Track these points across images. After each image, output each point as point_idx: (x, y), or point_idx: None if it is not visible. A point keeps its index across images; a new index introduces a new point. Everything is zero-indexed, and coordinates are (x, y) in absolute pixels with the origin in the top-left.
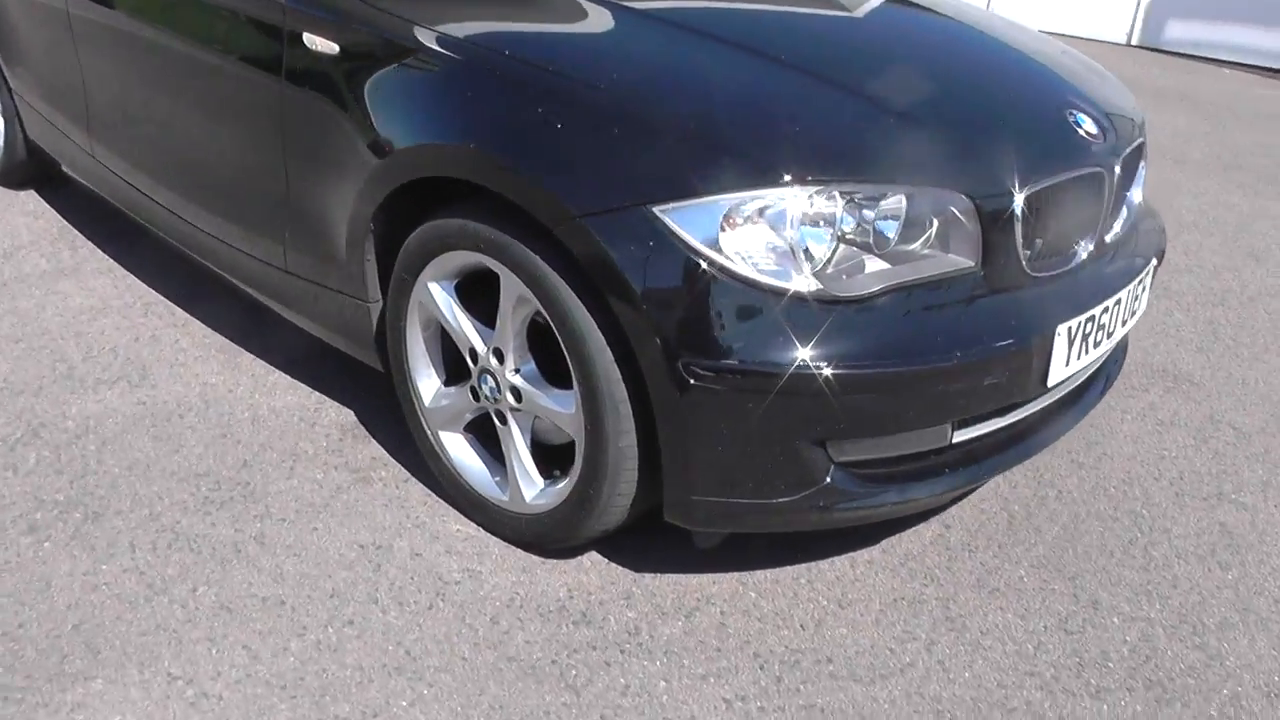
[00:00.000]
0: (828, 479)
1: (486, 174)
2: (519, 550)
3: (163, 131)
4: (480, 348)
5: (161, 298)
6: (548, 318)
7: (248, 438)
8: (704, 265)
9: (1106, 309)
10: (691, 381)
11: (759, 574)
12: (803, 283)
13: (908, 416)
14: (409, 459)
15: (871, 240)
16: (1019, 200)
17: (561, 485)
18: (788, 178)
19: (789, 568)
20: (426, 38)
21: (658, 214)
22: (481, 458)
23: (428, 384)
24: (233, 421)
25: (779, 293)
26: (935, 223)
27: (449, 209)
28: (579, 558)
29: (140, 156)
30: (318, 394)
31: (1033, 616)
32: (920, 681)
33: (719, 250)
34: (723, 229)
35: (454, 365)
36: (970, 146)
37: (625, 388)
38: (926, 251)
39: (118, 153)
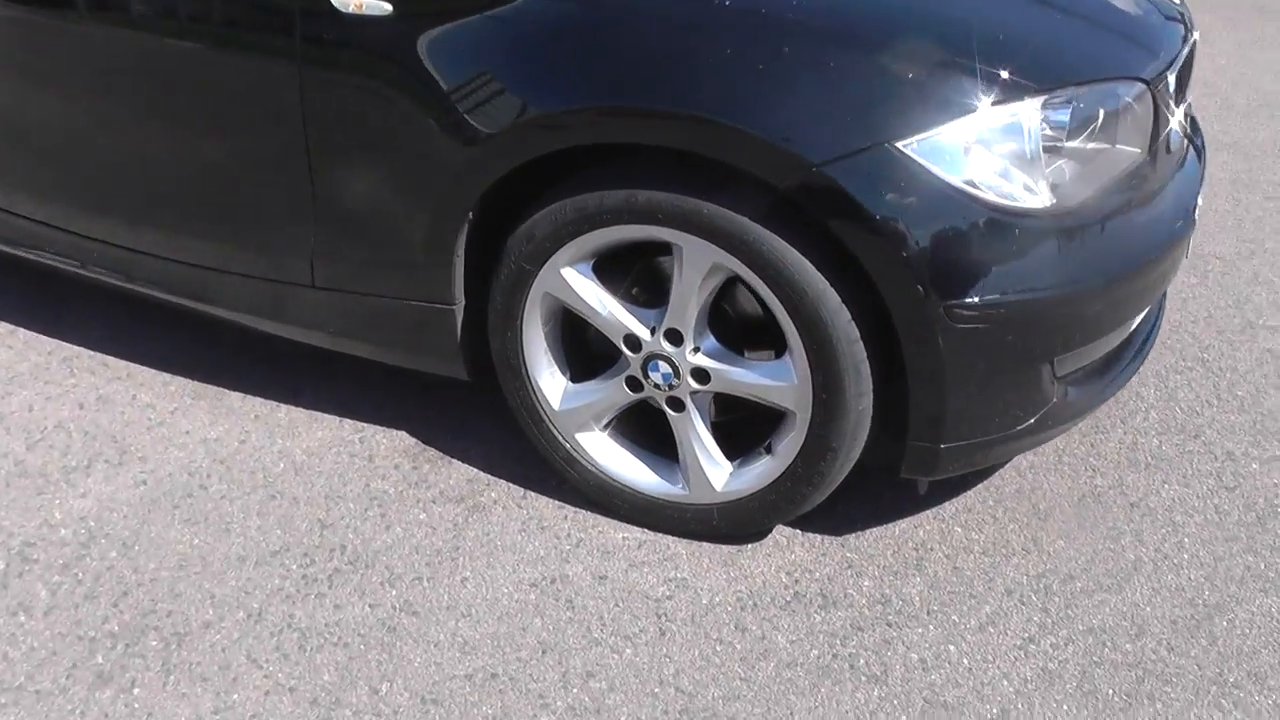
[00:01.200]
0: (1056, 397)
1: (683, 134)
2: (704, 544)
3: (112, 148)
4: (642, 332)
5: (81, 349)
6: (757, 284)
7: (303, 493)
8: (957, 197)
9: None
10: (955, 325)
11: (948, 506)
12: (1044, 200)
13: (1119, 316)
14: (511, 471)
15: (1068, 142)
16: (1171, 81)
17: (763, 464)
18: (1020, 91)
19: (968, 494)
20: None
21: (902, 150)
22: (633, 454)
23: (553, 385)
24: (271, 478)
25: (1028, 215)
26: (1102, 114)
27: (577, 181)
28: (769, 537)
29: (71, 185)
30: (350, 421)
31: (1194, 481)
32: (1156, 575)
33: (968, 180)
34: (967, 156)
35: (577, 360)
36: (1129, 33)
37: (864, 346)
38: (1102, 146)
39: (27, 187)
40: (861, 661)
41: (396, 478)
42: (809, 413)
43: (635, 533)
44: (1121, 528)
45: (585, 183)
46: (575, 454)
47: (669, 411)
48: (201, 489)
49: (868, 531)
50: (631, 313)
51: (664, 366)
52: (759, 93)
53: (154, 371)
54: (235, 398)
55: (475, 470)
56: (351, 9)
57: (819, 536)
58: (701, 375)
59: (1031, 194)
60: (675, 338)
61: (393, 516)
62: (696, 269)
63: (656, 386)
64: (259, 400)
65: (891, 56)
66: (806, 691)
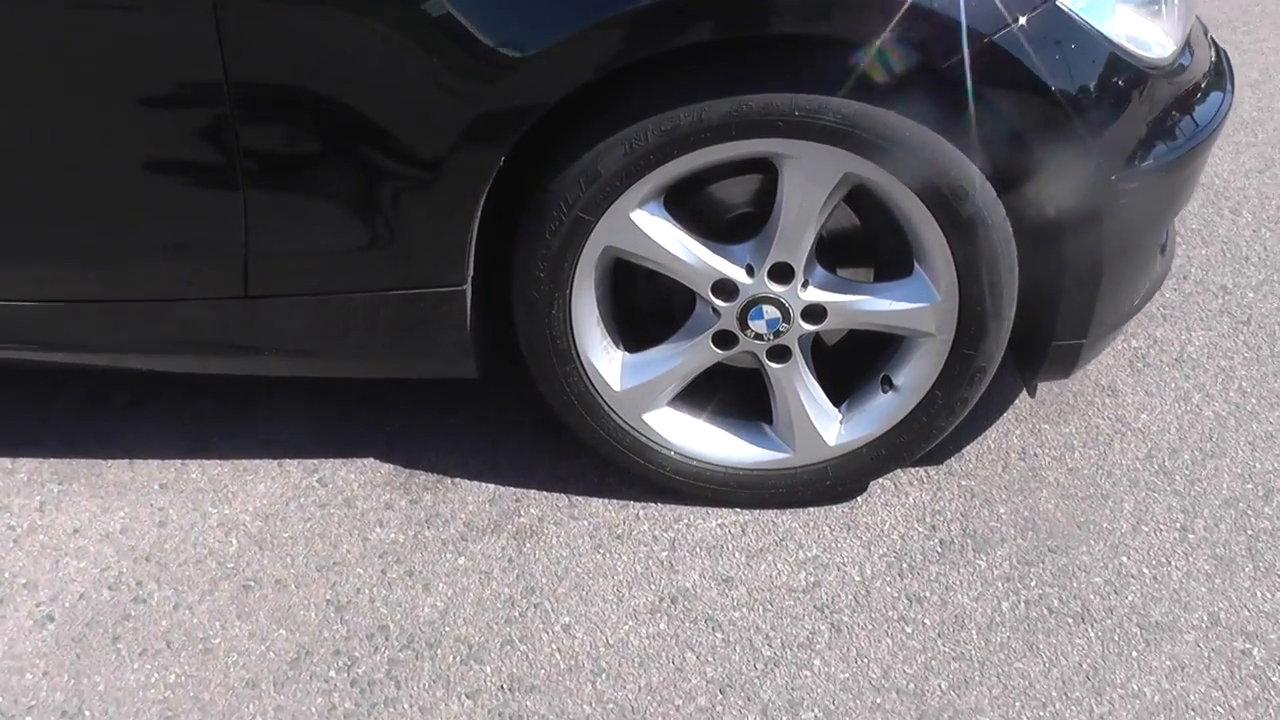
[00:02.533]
0: (1158, 268)
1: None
2: (810, 512)
3: None
4: (739, 274)
5: None
6: (896, 192)
7: (284, 571)
8: (1117, 56)
9: None
10: (1119, 200)
11: (1019, 405)
12: (1171, 52)
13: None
14: (535, 476)
15: None
16: None
17: (883, 403)
18: None
19: (1018, 387)
20: None
21: (1067, 7)
22: (713, 425)
23: (610, 362)
24: (227, 561)
25: (1164, 70)
26: None
27: (646, 97)
28: (874, 485)
29: None
30: (293, 462)
31: (1212, 323)
32: (1245, 427)
33: (1121, 35)
34: (1114, 10)
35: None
36: None
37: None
38: None
39: None
40: (1055, 601)
41: (398, 520)
42: (951, 332)
43: (729, 515)
44: (1184, 385)
45: (654, 98)
46: (646, 440)
47: (769, 364)
48: (139, 604)
49: (964, 451)
50: (719, 253)
51: (769, 310)
52: None
53: (34, 461)
54: (117, 467)
55: (491, 486)
56: None
57: (920, 470)
58: (815, 314)
59: (1161, 48)
60: (781, 274)
61: (425, 572)
62: (820, 184)
63: (758, 337)
64: (154, 463)
65: None
66: (1026, 653)
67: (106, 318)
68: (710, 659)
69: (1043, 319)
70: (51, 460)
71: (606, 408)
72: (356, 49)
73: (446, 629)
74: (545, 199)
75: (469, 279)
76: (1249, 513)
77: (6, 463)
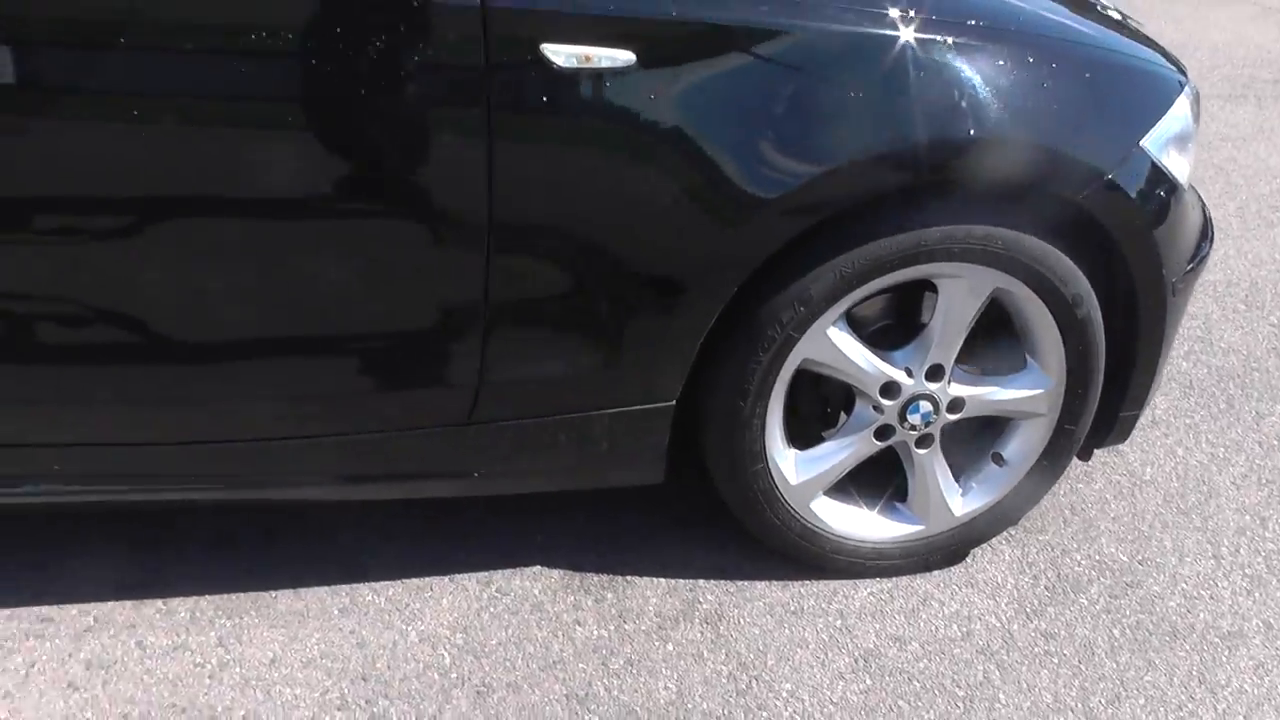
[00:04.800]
0: None
1: (986, 163)
2: (932, 575)
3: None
4: (901, 377)
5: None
6: (1024, 299)
7: (541, 660)
8: (1169, 182)
9: None
10: (1174, 296)
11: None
12: (1186, 175)
13: None
14: (693, 564)
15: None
16: None
17: (996, 476)
18: (1180, 82)
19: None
20: (828, 18)
21: (1144, 148)
22: (858, 507)
23: (787, 459)
24: (497, 657)
25: (1183, 190)
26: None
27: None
28: (975, 550)
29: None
30: (493, 573)
31: None
32: None
33: (1167, 165)
34: (1165, 145)
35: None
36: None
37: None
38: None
39: None
40: (1150, 625)
41: (593, 619)
42: (1057, 412)
43: (874, 585)
44: (1166, 442)
45: (851, 230)
46: (812, 527)
47: (916, 451)
48: None
49: (1045, 534)
50: (886, 360)
51: (924, 405)
52: (1041, 110)
53: (179, 601)
54: (284, 597)
55: (661, 581)
56: (575, 62)
57: (1005, 531)
58: (956, 405)
59: (1184, 177)
60: (934, 374)
61: (642, 661)
62: (975, 298)
63: (913, 428)
64: (320, 589)
65: (1118, 60)
66: (1148, 668)
67: (329, 452)
68: (920, 704)
69: (1111, 395)
70: (209, 596)
71: (783, 500)
72: (617, 191)
73: (690, 706)
74: (760, 319)
75: (677, 395)
76: (1256, 538)
77: (160, 603)
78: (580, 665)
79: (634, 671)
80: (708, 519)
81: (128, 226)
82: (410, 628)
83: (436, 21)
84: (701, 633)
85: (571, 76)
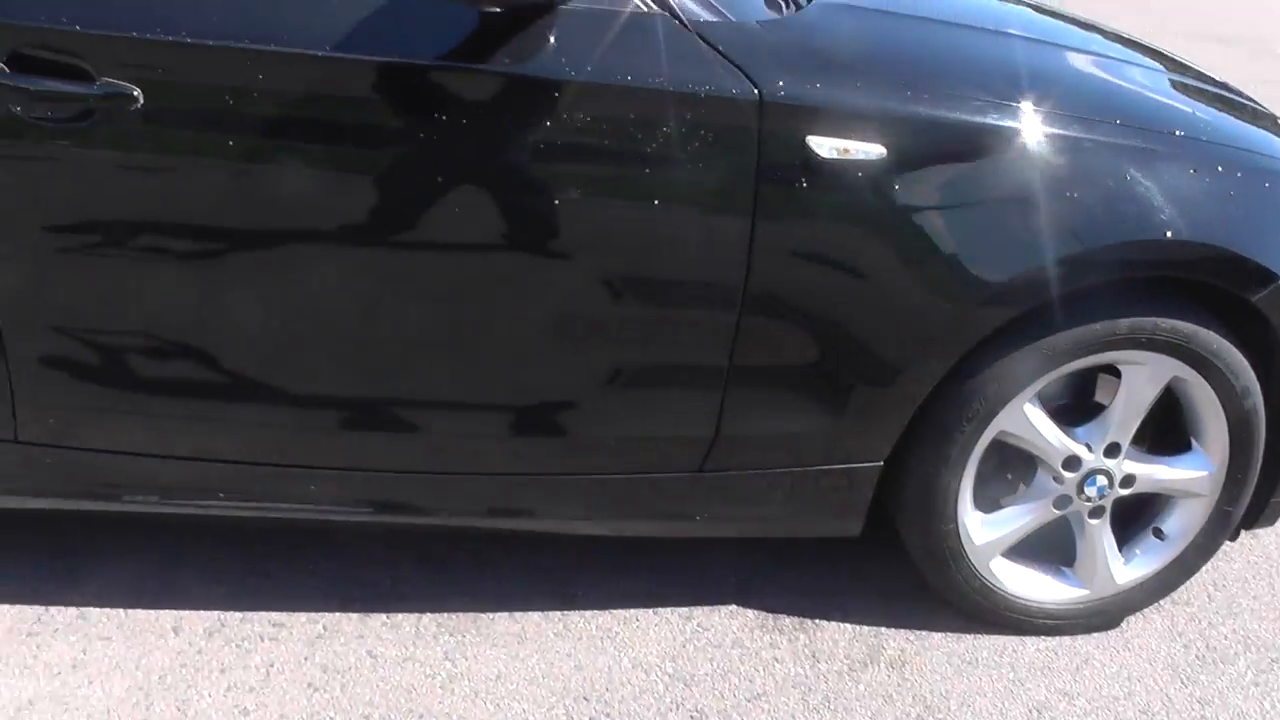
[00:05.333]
0: None
1: (1180, 264)
2: (1091, 637)
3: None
4: (1083, 452)
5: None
6: (1197, 388)
7: (747, 692)
8: None
9: None
10: None
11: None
12: None
13: None
14: (885, 616)
15: None
16: None
17: (1156, 549)
18: None
19: None
20: (1044, 121)
21: None
22: (1026, 567)
23: (974, 521)
24: (706, 686)
25: None
26: None
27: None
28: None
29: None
30: (694, 609)
31: None
32: None
33: None
34: None
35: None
36: None
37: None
38: None
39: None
40: None
41: (790, 657)
42: (1217, 494)
43: (1039, 642)
44: None
45: (1054, 317)
46: (990, 585)
47: (1089, 521)
48: None
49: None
50: (1069, 435)
51: (1100, 479)
52: (1230, 215)
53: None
54: (500, 619)
55: (847, 626)
56: (835, 153)
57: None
58: (1127, 481)
59: None
60: (1111, 451)
61: (838, 699)
62: (1154, 385)
63: (1088, 500)
64: (533, 614)
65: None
66: None
67: (566, 491)
68: None
69: (1264, 482)
70: (430, 614)
71: (967, 559)
72: (857, 271)
73: None
74: (967, 393)
75: (886, 456)
76: None
77: (384, 617)
78: (783, 699)
79: (831, 708)
80: (883, 569)
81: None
82: (623, 654)
83: (720, 108)
84: (888, 676)
85: (830, 166)
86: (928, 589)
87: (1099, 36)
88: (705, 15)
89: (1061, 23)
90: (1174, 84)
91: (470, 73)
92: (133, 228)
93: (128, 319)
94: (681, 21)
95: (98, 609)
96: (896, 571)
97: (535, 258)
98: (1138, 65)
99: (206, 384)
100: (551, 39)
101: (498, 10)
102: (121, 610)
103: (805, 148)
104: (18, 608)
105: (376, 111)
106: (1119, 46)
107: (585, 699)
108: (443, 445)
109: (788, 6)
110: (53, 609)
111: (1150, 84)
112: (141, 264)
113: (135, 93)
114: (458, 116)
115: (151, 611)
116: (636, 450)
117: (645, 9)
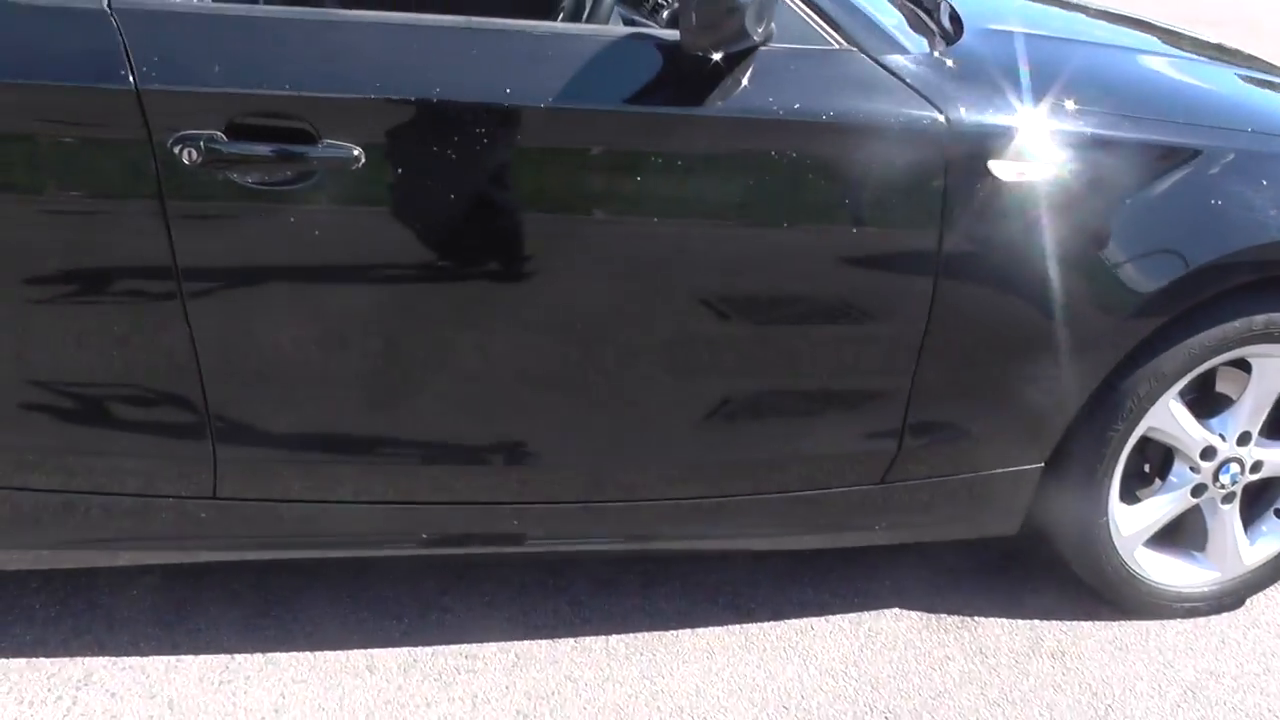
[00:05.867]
0: None
1: None
2: (1222, 616)
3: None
4: (1218, 443)
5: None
6: None
7: (931, 689)
8: None
9: None
10: None
11: None
12: None
13: None
14: (1032, 611)
15: None
16: None
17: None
18: None
19: None
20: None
21: None
22: (1164, 553)
23: (1121, 513)
24: (892, 687)
25: None
26: None
27: (1192, 319)
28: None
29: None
30: (863, 614)
31: None
32: None
33: None
34: None
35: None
36: None
37: None
38: None
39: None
40: None
41: (962, 655)
42: None
43: (1176, 625)
44: None
45: (1199, 317)
46: (1135, 573)
47: (1221, 507)
48: None
49: None
50: (1206, 427)
51: (1234, 467)
52: None
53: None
54: (682, 636)
55: (999, 620)
56: (1015, 175)
57: None
58: (1256, 466)
59: None
60: (1243, 439)
61: (1013, 690)
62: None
63: (1222, 487)
64: (714, 629)
65: None
66: None
67: (753, 510)
68: None
69: None
70: (616, 635)
71: (1115, 550)
72: (1032, 284)
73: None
74: (1121, 393)
75: (1048, 457)
76: None
77: (572, 641)
78: (964, 695)
79: (1010, 700)
80: (1025, 564)
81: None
82: (808, 663)
83: (910, 137)
84: (1052, 666)
85: (1009, 188)
86: (1067, 581)
87: (1207, 47)
88: (889, 49)
89: (1186, 39)
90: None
91: (688, 118)
92: (343, 285)
93: (329, 372)
94: (870, 57)
95: (283, 653)
96: (1038, 565)
97: (739, 280)
98: (1248, 73)
99: (409, 429)
100: (757, 80)
101: (715, 56)
102: (308, 653)
103: (988, 171)
104: (202, 657)
105: (597, 159)
106: (1224, 56)
107: (785, 708)
108: (652, 472)
109: (942, 35)
110: (238, 656)
111: (1264, 88)
112: (352, 318)
113: (356, 152)
114: (676, 160)
115: (339, 652)
116: (825, 467)
117: (837, 46)
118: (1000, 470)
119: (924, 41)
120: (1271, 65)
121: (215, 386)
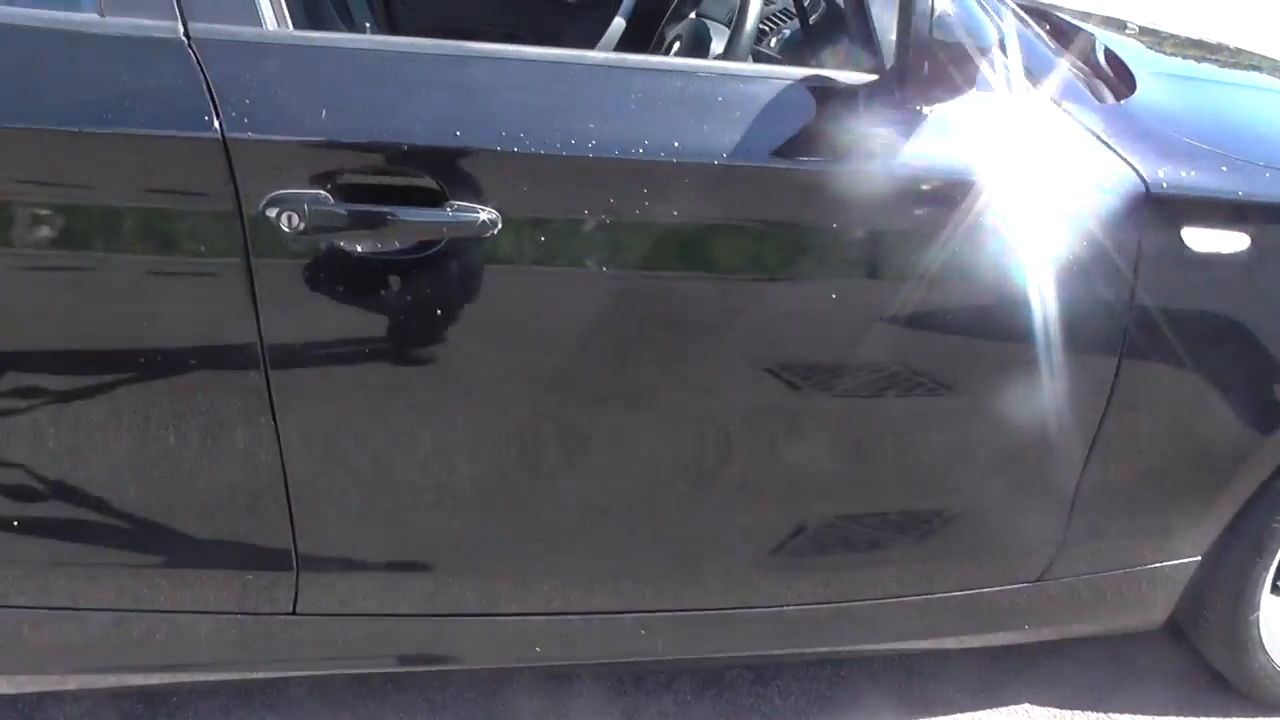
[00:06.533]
0: None
1: None
2: None
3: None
4: None
5: None
6: None
7: None
8: None
9: None
10: None
11: None
12: None
13: None
14: (1167, 701)
15: None
16: None
17: None
18: None
19: None
20: None
21: None
22: None
23: (1272, 607)
24: None
25: None
26: None
27: None
28: None
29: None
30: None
31: None
32: None
33: None
34: None
35: None
36: None
37: None
38: None
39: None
40: None
41: None
42: None
43: None
44: None
45: None
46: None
47: None
48: None
49: None
50: None
51: None
52: None
53: None
54: None
55: (1136, 718)
56: (1207, 247)
57: None
58: None
59: None
60: None
61: None
62: None
63: None
64: None
65: None
66: None
67: (903, 612)
68: None
69: None
70: None
71: (1262, 645)
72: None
73: None
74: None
75: (1204, 551)
76: None
77: None
78: None
79: None
80: (1155, 655)
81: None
82: None
83: (1108, 202)
84: None
85: (1200, 259)
86: (1199, 672)
87: None
88: (1085, 104)
89: None
90: None
91: (883, 175)
92: (468, 379)
93: (444, 481)
94: (1059, 106)
95: None
96: (1162, 659)
97: (911, 357)
98: None
99: (534, 538)
100: (948, 132)
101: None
102: None
103: (1180, 241)
104: None
105: (785, 226)
106: None
107: None
108: (802, 579)
109: (1106, 81)
110: None
111: None
112: (480, 419)
113: (492, 216)
114: (857, 220)
115: None
116: (979, 569)
117: (1025, 92)
118: (1159, 564)
119: (1102, 88)
120: None
121: (302, 495)
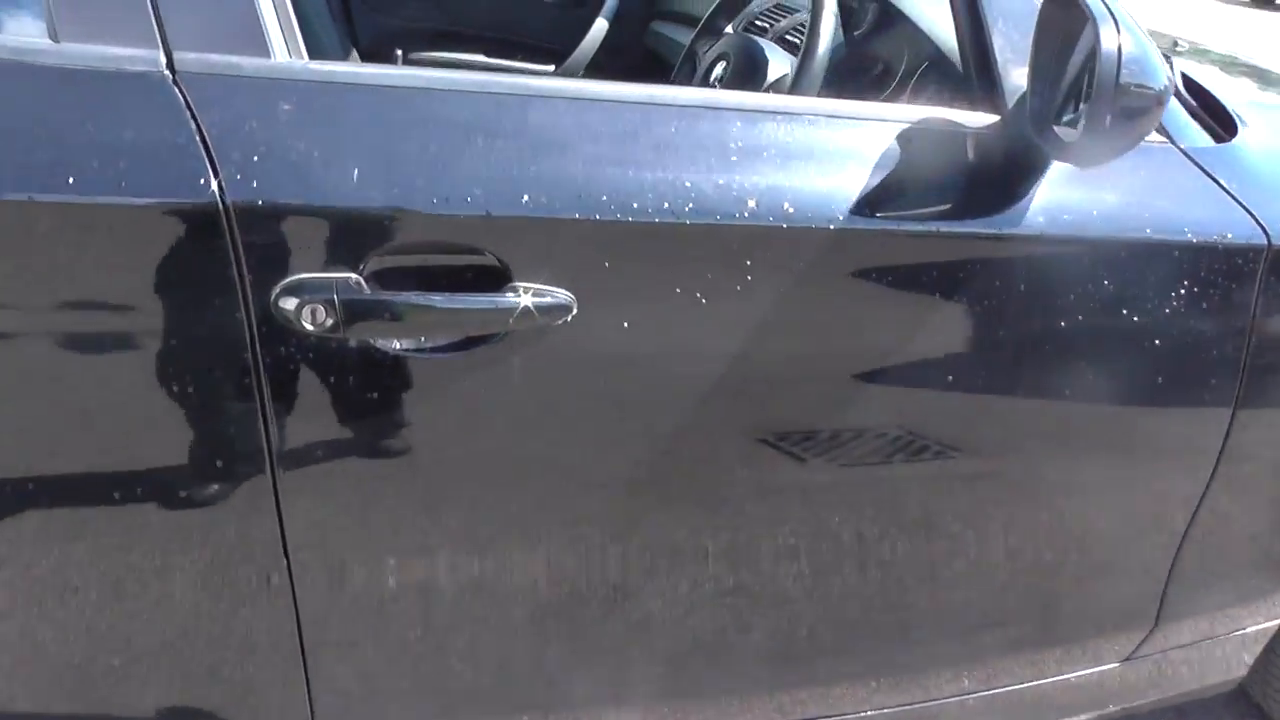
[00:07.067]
0: None
1: None
2: None
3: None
4: None
5: None
6: None
7: None
8: None
9: None
10: None
11: None
12: None
13: None
14: None
15: None
16: None
17: None
18: None
19: None
20: None
21: None
22: None
23: None
24: None
25: None
26: None
27: None
28: None
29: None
30: None
31: None
32: None
33: None
34: None
35: None
36: None
37: None
38: None
39: None
40: None
41: None
42: None
43: None
44: None
45: None
46: None
47: None
48: None
49: None
50: None
51: None
52: None
53: None
54: None
55: None
56: None
57: None
58: None
59: None
60: None
61: None
62: None
63: None
64: None
65: None
66: None
67: (978, 708)
68: None
69: None
70: None
71: None
72: None
73: None
74: None
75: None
76: None
77: None
78: None
79: None
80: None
81: None
82: None
83: (1230, 257)
84: None
85: None
86: None
87: None
88: (1201, 141)
89: None
90: None
91: (1019, 239)
92: (537, 506)
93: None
94: (1183, 152)
95: None
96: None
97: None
98: None
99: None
100: (1091, 185)
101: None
102: None
103: None
104: None
105: (922, 301)
106: None
107: None
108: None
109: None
110: None
111: None
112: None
113: (567, 299)
114: (987, 285)
115: None
116: (1064, 654)
117: (1156, 139)
118: (1241, 632)
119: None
120: None
121: (318, 645)
